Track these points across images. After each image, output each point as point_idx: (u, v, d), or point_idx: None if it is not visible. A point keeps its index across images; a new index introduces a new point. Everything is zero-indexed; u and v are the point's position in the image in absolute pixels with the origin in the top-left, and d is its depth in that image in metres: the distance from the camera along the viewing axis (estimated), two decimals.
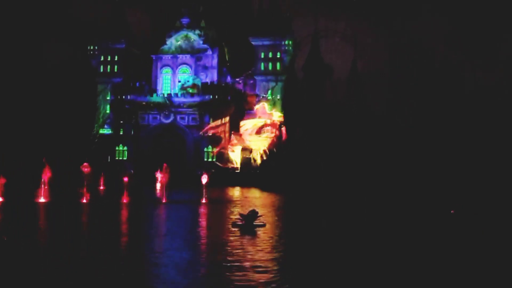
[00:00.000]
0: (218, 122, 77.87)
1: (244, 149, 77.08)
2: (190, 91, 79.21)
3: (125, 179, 38.60)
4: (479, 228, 25.90)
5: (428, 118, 63.88)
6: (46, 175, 36.95)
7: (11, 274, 14.66)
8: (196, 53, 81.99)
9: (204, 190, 38.04)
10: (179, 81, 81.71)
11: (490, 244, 21.24)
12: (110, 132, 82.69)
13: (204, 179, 38.50)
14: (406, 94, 68.83)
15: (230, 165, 76.53)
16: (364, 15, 76.57)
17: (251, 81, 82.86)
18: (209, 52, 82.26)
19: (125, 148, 79.65)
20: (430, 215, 31.15)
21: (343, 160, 60.38)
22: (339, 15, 78.86)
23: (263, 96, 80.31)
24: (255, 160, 75.38)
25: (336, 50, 76.89)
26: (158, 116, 79.32)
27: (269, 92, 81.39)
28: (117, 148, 79.77)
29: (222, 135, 78.16)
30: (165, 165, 39.35)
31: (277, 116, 78.65)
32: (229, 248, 19.20)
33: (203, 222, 29.26)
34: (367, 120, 68.49)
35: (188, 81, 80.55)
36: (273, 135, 76.41)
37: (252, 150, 76.70)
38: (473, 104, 63.15)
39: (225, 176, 67.85)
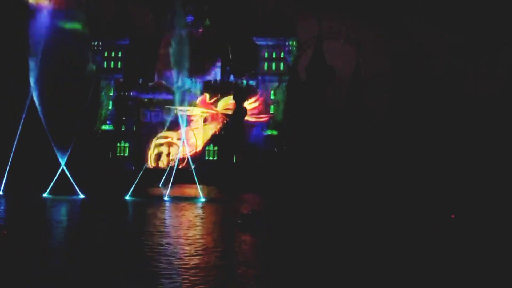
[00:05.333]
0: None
1: (243, 149, 77.26)
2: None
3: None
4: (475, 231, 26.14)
5: (428, 123, 64.02)
6: None
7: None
8: (199, 52, 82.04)
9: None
10: (182, 79, 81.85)
11: (490, 249, 21.48)
12: (112, 128, 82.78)
13: None
14: (407, 99, 68.94)
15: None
16: (368, 18, 76.63)
17: (254, 81, 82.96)
18: (213, 50, 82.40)
19: (127, 144, 79.92)
20: (431, 220, 31.38)
21: (342, 161, 60.51)
22: (343, 18, 78.86)
23: None
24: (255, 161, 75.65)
25: (339, 53, 76.90)
26: (160, 113, 79.47)
27: (272, 92, 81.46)
28: (118, 145, 80.00)
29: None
30: None
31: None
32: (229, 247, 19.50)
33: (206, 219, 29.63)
34: (367, 122, 68.56)
35: (191, 80, 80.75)
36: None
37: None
38: (474, 111, 63.31)
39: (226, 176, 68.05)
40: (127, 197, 38.59)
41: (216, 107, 78.84)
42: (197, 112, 78.68)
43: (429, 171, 55.08)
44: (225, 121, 77.79)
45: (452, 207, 37.01)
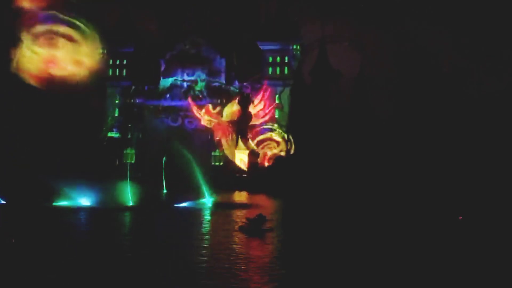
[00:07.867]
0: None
1: (252, 153, 77.22)
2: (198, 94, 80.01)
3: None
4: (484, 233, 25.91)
5: (434, 123, 63.71)
6: None
7: None
8: (204, 57, 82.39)
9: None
10: (188, 85, 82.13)
11: (496, 251, 21.29)
12: (118, 135, 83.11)
13: None
14: (413, 99, 68.69)
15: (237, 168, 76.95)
16: (371, 20, 76.58)
17: (258, 86, 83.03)
18: (217, 56, 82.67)
19: (133, 151, 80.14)
20: (438, 222, 31.15)
21: (347, 164, 60.26)
22: (346, 20, 78.86)
23: None
24: (262, 165, 75.68)
25: (343, 55, 76.83)
26: (166, 120, 79.78)
27: (277, 96, 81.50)
28: (125, 151, 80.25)
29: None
30: None
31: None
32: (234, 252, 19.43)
33: (211, 225, 29.57)
34: (373, 124, 68.32)
35: (196, 85, 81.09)
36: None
37: (260, 155, 76.90)
38: (479, 109, 62.98)
39: (232, 180, 67.97)
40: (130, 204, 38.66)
41: (221, 116, 79.16)
42: (205, 120, 79.16)
43: (435, 172, 54.75)
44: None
45: (459, 208, 36.73)
